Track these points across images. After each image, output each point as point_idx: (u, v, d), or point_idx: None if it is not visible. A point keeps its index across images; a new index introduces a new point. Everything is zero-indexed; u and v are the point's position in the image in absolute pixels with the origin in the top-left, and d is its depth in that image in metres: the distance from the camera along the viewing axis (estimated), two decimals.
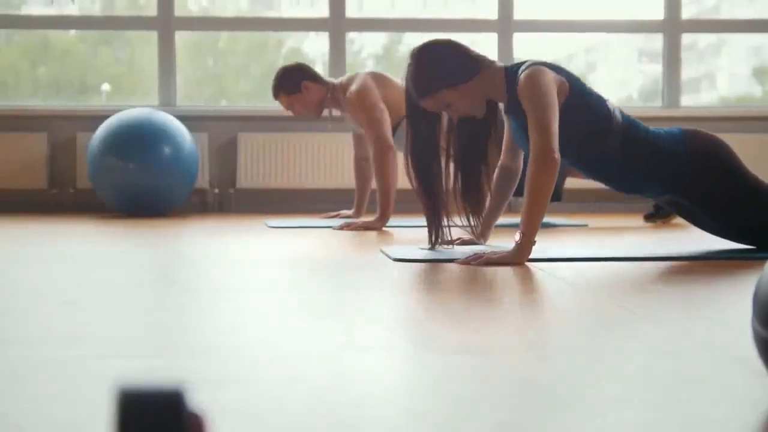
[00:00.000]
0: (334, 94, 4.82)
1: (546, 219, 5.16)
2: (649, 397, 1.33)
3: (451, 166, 3.29)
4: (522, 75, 3.06)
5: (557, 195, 4.86)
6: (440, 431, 1.15)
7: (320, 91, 4.82)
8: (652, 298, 2.32)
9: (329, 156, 6.16)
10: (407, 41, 7.63)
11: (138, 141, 5.41)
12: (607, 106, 3.15)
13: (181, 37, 6.68)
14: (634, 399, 1.32)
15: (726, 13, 7.49)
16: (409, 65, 3.19)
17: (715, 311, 2.11)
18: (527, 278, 2.66)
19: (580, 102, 3.09)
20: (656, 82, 9.24)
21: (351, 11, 6.43)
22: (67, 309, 2.12)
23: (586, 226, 4.86)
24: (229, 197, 6.19)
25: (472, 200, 3.31)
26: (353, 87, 4.69)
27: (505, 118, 3.29)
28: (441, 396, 1.33)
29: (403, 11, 7.38)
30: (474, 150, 3.27)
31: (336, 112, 4.97)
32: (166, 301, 2.28)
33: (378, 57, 7.79)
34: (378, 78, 4.76)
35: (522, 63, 3.15)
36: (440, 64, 3.14)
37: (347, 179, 5.95)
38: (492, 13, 6.42)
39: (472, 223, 3.35)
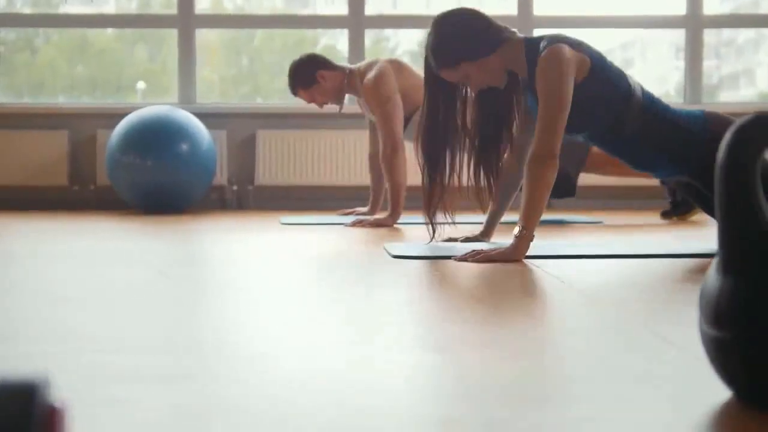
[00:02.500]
0: (351, 79, 4.82)
1: (561, 216, 5.15)
2: (606, 396, 1.32)
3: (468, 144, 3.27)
4: (542, 53, 3.03)
5: (571, 190, 4.83)
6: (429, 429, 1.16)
7: (337, 78, 4.82)
8: (633, 295, 2.30)
9: (347, 153, 6.17)
10: None
11: (156, 138, 5.45)
12: (627, 81, 3.10)
13: (217, 36, 6.72)
14: (595, 397, 1.32)
15: (766, 8, 7.35)
16: (430, 34, 3.17)
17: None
18: (521, 275, 2.65)
19: (601, 77, 3.04)
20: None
21: (386, 9, 6.43)
22: (63, 305, 2.14)
23: (601, 222, 4.84)
24: (247, 194, 6.22)
25: (485, 168, 3.28)
26: (371, 74, 4.69)
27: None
28: (430, 394, 1.34)
29: (437, 8, 7.36)
30: (496, 119, 3.24)
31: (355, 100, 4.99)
32: (166, 298, 2.29)
33: (413, 54, 7.78)
34: (396, 65, 4.76)
35: (543, 37, 3.12)
36: (461, 35, 3.11)
37: (365, 176, 5.95)
38: (512, 9, 6.39)
39: (482, 194, 3.31)
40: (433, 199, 3.25)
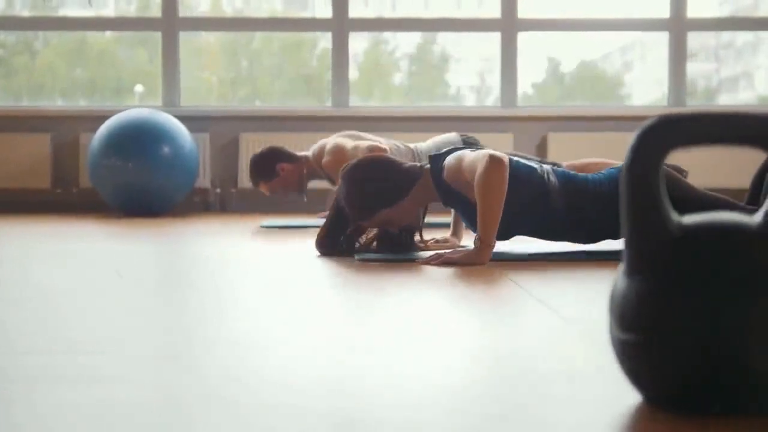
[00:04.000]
0: (309, 166, 4.89)
1: None
2: (518, 395, 1.32)
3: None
4: (444, 164, 3.07)
5: None
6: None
7: (297, 169, 4.89)
8: (580, 295, 2.30)
9: None
10: (441, 41, 7.63)
11: (137, 141, 5.46)
12: (537, 171, 3.10)
13: (217, 38, 6.70)
14: (508, 396, 1.32)
15: (765, 11, 7.33)
16: (341, 186, 3.17)
17: None
18: (478, 277, 2.65)
19: (511, 178, 2.99)
20: (693, 82, 9.12)
21: (385, 11, 6.43)
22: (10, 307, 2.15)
23: None
24: (230, 197, 6.23)
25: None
26: (327, 149, 4.73)
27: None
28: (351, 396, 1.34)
29: (436, 11, 7.39)
30: (400, 246, 3.26)
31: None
32: (114, 298, 2.30)
33: (412, 57, 7.80)
34: (350, 134, 4.82)
35: (446, 153, 3.14)
36: (373, 188, 3.13)
37: None
38: (496, 12, 6.39)
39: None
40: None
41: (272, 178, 4.88)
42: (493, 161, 2.90)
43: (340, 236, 3.24)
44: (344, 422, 1.20)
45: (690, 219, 1.24)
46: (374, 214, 3.13)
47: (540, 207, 3.08)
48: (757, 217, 1.24)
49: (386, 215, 3.14)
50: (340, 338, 1.78)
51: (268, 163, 4.87)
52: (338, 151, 4.62)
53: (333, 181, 4.81)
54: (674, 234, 1.21)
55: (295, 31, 6.99)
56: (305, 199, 5.08)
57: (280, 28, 6.93)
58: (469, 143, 4.65)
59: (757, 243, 1.20)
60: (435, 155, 3.17)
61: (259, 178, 4.91)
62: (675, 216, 1.23)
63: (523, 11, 6.35)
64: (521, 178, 3.06)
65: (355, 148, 4.58)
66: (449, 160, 3.09)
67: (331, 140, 4.79)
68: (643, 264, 1.22)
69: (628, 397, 1.29)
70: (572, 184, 3.11)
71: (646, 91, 8.89)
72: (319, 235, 3.29)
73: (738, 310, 1.16)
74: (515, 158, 3.13)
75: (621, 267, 1.27)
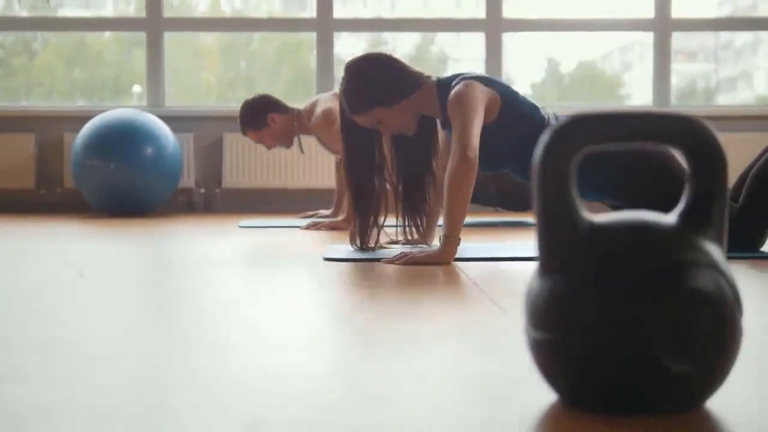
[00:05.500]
0: (300, 120, 4.85)
1: (522, 219, 5.15)
2: (437, 397, 1.33)
3: (394, 176, 3.28)
4: (452, 90, 3.05)
5: (527, 204, 4.83)
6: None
7: (287, 121, 4.84)
8: None
9: (314, 156, 6.17)
10: (439, 41, 7.64)
11: (119, 141, 5.46)
12: (540, 113, 3.13)
13: (214, 39, 6.74)
14: (425, 397, 1.32)
15: (763, 11, 7.33)
16: (344, 79, 3.16)
17: None
18: (440, 278, 2.65)
19: (513, 111, 3.06)
20: (692, 82, 9.12)
21: (385, 12, 6.44)
22: None
23: None
24: (215, 197, 6.23)
25: (413, 210, 3.30)
26: (317, 111, 4.71)
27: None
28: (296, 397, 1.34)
29: (435, 11, 7.40)
30: (416, 162, 3.26)
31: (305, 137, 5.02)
32: (71, 299, 2.30)
33: (411, 57, 7.81)
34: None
35: (455, 76, 3.14)
36: (374, 81, 3.11)
37: (331, 179, 5.97)
38: (481, 12, 6.39)
39: (410, 230, 3.33)
40: (364, 233, 3.21)
41: (261, 127, 4.81)
42: (467, 160, 2.91)
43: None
44: (255, 421, 1.20)
45: (602, 218, 1.24)
46: (370, 109, 3.10)
47: (533, 144, 3.06)
48: (670, 217, 1.24)
49: (382, 114, 3.11)
50: (256, 336, 1.78)
51: (258, 111, 4.80)
52: (329, 117, 4.59)
53: (321, 142, 4.78)
54: (585, 233, 1.21)
55: (280, 31, 6.99)
56: (302, 151, 5.06)
57: (266, 29, 6.93)
58: None
59: (668, 242, 1.20)
60: (444, 79, 3.13)
61: (248, 125, 4.83)
62: (587, 215, 1.23)
63: (509, 11, 6.35)
64: (524, 113, 3.09)
65: (338, 130, 4.53)
66: (453, 95, 3.01)
67: (324, 101, 4.73)
68: (554, 263, 1.22)
69: (548, 398, 1.29)
70: None
71: (646, 90, 8.89)
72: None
73: (648, 309, 1.16)
74: (521, 94, 3.15)
75: (536, 267, 1.27)
